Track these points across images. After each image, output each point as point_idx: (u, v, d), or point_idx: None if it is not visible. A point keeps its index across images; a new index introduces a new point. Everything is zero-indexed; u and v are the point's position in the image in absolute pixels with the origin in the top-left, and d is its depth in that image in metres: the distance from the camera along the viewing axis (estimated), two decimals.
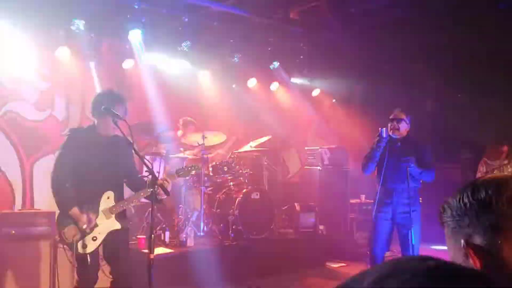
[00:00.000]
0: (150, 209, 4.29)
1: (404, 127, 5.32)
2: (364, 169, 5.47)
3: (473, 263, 1.08)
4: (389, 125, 5.30)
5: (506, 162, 7.31)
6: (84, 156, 4.05)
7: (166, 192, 3.85)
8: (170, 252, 6.23)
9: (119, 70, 7.77)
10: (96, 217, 4.01)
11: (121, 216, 4.15)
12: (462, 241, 1.10)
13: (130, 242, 6.33)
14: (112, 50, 7.67)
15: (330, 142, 9.99)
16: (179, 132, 7.49)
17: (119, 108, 4.06)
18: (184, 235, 6.50)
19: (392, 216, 5.32)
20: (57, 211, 4.10)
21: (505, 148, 7.63)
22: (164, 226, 6.83)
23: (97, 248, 4.05)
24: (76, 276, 4.19)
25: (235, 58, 8.06)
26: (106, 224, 4.06)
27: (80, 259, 3.99)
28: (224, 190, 7.23)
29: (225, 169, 7.07)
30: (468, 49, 8.64)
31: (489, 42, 8.21)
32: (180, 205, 6.91)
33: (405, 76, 9.54)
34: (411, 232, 5.20)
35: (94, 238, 4.01)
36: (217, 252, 6.57)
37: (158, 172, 6.79)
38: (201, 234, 6.81)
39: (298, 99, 9.86)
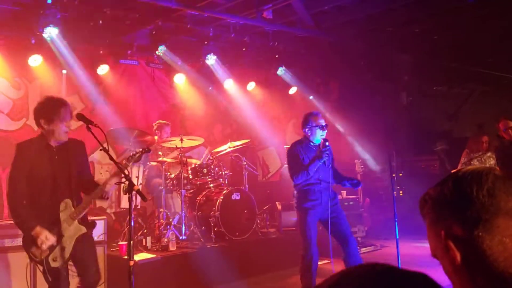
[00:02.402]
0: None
1: None
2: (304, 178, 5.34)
3: (453, 255, 1.08)
4: (323, 132, 5.36)
5: (489, 154, 7.40)
6: (35, 168, 3.97)
7: (143, 197, 3.85)
8: (152, 258, 6.18)
9: (94, 76, 7.69)
10: (59, 227, 3.94)
11: (84, 219, 4.11)
12: (442, 232, 1.10)
13: (111, 249, 6.37)
14: (86, 56, 7.60)
15: None
16: (156, 137, 7.45)
17: (63, 112, 3.98)
18: (166, 240, 6.46)
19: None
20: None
21: (485, 138, 7.74)
22: (145, 231, 6.78)
23: (69, 258, 3.99)
24: None
25: (211, 60, 8.03)
26: (71, 232, 4.01)
27: (53, 272, 3.91)
28: (204, 192, 7.20)
29: (205, 171, 7.05)
30: (442, 41, 8.76)
31: (462, 33, 8.34)
32: (160, 209, 6.87)
33: (380, 70, 9.64)
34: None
35: (63, 249, 3.95)
36: (200, 255, 6.54)
37: (137, 177, 6.74)
38: (183, 237, 6.77)
39: (275, 98, 9.87)
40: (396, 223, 5.56)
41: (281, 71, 9.14)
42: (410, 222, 6.96)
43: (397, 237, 5.56)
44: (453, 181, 1.12)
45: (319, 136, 5.36)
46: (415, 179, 9.28)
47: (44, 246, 3.82)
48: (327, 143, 5.32)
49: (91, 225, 4.21)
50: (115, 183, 4.24)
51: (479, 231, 1.05)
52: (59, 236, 3.93)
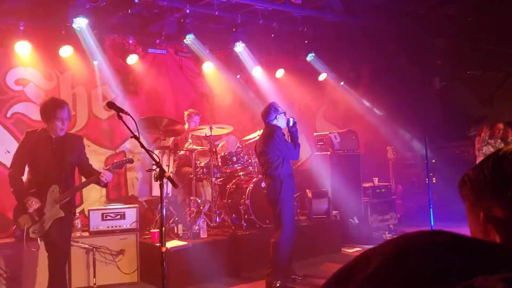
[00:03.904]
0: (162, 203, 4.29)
1: None
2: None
3: (493, 237, 1.03)
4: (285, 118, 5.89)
5: (510, 139, 7.21)
6: (36, 154, 4.73)
7: (174, 184, 3.90)
8: (184, 245, 6.23)
9: (124, 66, 7.75)
10: (44, 207, 4.65)
11: (65, 205, 4.76)
12: (481, 214, 1.06)
13: (144, 237, 6.46)
14: (115, 47, 7.65)
15: (339, 126, 9.92)
16: (186, 125, 7.48)
17: (61, 112, 4.69)
18: (197, 227, 6.49)
19: None
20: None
21: (501, 126, 7.55)
22: (176, 219, 6.83)
23: (50, 235, 4.67)
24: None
25: (239, 47, 7.99)
26: (52, 213, 4.69)
27: (31, 242, 4.67)
28: (234, 180, 7.20)
29: (234, 159, 7.04)
30: (476, 23, 8.50)
31: (497, 14, 8.07)
32: (191, 197, 6.90)
33: (412, 55, 9.42)
34: None
35: (42, 225, 4.66)
36: (230, 242, 6.57)
37: (168, 165, 6.78)
38: (214, 225, 6.80)
39: (305, 85, 9.77)
40: (431, 209, 5.46)
41: (310, 57, 9.01)
42: (443, 209, 6.83)
43: (432, 223, 5.47)
44: (493, 161, 1.06)
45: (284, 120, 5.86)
46: (449, 165, 9.08)
47: (31, 210, 4.56)
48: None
49: (69, 212, 4.83)
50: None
51: None
52: (41, 214, 4.65)
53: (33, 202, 4.58)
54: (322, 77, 9.72)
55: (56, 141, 4.79)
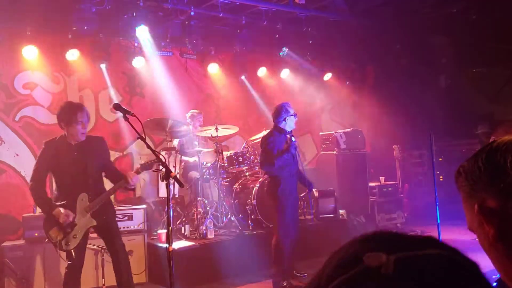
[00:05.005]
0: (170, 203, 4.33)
1: None
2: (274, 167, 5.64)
3: (487, 228, 1.04)
4: (295, 120, 5.77)
5: None
6: (58, 164, 4.58)
7: (180, 183, 3.93)
8: (191, 245, 6.27)
9: (130, 68, 7.81)
10: (74, 217, 4.50)
11: (97, 213, 4.62)
12: (476, 206, 1.06)
13: (151, 238, 6.50)
14: (121, 49, 7.72)
15: (345, 125, 9.93)
16: (190, 127, 7.51)
17: (81, 115, 4.57)
18: (204, 228, 6.53)
19: None
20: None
21: None
22: (184, 219, 6.88)
23: (79, 244, 4.53)
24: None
25: (244, 48, 8.03)
26: (83, 222, 4.55)
27: (67, 253, 4.55)
28: (240, 181, 7.23)
29: (240, 160, 7.08)
30: (481, 20, 8.47)
31: (501, 11, 8.04)
32: (198, 198, 6.94)
33: (417, 53, 9.41)
34: None
35: (75, 236, 4.51)
36: (237, 242, 6.60)
37: (174, 166, 6.82)
38: (221, 225, 6.84)
39: (310, 85, 9.79)
40: (438, 207, 5.47)
41: (315, 57, 9.04)
42: (450, 207, 6.80)
43: (439, 221, 5.47)
44: (487, 153, 1.07)
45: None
46: (456, 163, 8.99)
47: (64, 222, 4.40)
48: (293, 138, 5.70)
49: (102, 219, 4.67)
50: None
51: None
52: (73, 225, 4.50)
53: (66, 215, 4.43)
54: (327, 76, 9.74)
55: (77, 147, 4.63)
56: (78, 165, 4.57)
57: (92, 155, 4.67)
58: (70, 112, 4.57)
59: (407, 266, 0.59)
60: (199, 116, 7.57)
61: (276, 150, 5.59)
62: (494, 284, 1.09)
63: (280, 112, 5.73)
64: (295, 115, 5.77)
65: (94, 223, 4.60)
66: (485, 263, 0.92)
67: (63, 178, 4.59)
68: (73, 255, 4.49)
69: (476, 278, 0.63)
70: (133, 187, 4.68)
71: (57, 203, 4.52)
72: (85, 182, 4.59)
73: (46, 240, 4.66)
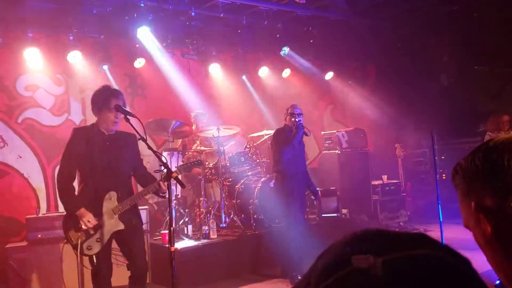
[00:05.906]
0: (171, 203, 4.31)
1: None
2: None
3: (484, 226, 1.05)
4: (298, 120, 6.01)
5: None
6: (87, 154, 4.01)
7: (181, 184, 3.85)
8: (194, 245, 6.28)
9: (131, 69, 7.83)
10: (99, 218, 3.98)
11: (125, 215, 4.07)
12: (473, 204, 1.06)
13: (154, 239, 6.50)
14: (123, 50, 7.73)
15: (347, 124, 9.92)
16: (193, 127, 7.53)
17: (114, 101, 4.00)
18: (207, 228, 6.54)
19: None
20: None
21: (506, 118, 7.47)
22: (186, 220, 6.88)
23: (102, 248, 4.00)
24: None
25: (245, 48, 8.04)
26: (110, 225, 4.02)
27: (89, 259, 4.02)
28: (242, 181, 7.24)
29: (242, 160, 7.08)
30: (482, 18, 8.46)
31: (503, 8, 8.02)
32: (200, 198, 6.95)
33: (418, 52, 9.40)
34: None
35: (98, 240, 3.98)
36: (240, 242, 6.61)
37: (176, 167, 6.82)
38: (224, 225, 6.84)
39: (311, 84, 9.79)
40: (440, 206, 5.46)
41: (316, 56, 9.04)
42: (453, 206, 6.79)
43: (441, 220, 5.46)
44: (484, 151, 1.07)
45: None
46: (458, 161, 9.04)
47: (85, 227, 3.90)
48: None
49: (130, 223, 4.12)
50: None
51: (510, 201, 1.00)
52: (98, 227, 3.97)
53: (88, 221, 3.90)
54: (329, 76, 9.74)
55: (110, 138, 4.10)
56: (111, 158, 4.04)
57: (125, 150, 4.15)
58: (103, 96, 4.05)
59: (396, 268, 0.59)
60: (203, 116, 7.58)
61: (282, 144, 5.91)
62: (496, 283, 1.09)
63: (286, 111, 6.16)
64: (297, 114, 6.02)
65: (122, 226, 4.04)
66: (484, 263, 0.92)
67: (92, 171, 4.00)
68: (94, 261, 3.97)
69: (466, 279, 0.63)
70: (165, 193, 3.96)
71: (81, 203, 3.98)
72: (115, 179, 4.06)
73: (65, 241, 4.10)
